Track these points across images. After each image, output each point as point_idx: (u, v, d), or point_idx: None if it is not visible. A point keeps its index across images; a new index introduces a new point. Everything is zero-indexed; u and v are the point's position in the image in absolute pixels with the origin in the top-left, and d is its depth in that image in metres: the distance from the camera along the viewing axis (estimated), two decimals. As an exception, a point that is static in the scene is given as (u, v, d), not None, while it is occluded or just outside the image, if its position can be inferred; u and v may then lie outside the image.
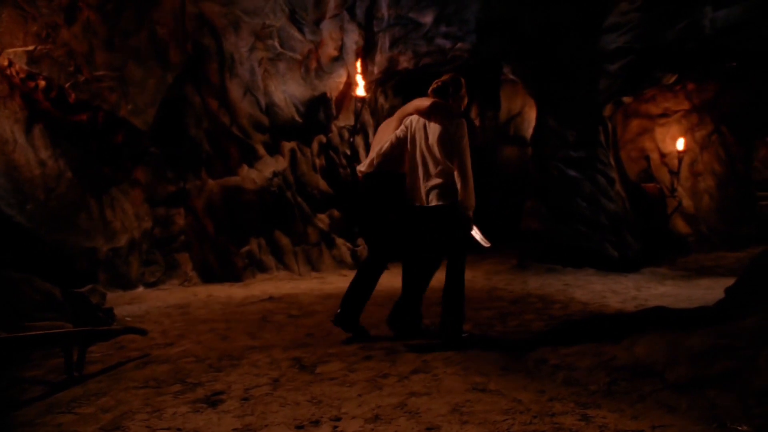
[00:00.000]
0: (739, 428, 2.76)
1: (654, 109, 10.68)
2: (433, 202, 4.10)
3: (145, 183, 7.05)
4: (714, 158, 11.14)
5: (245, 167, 7.28)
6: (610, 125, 8.03)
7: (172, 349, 4.14)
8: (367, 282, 4.35)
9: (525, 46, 8.06)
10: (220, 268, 7.24)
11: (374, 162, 4.28)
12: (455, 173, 4.02)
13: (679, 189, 10.71)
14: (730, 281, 7.24)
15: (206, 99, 7.20)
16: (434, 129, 4.07)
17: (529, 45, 8.02)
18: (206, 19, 7.04)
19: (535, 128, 8.49)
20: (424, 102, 4.15)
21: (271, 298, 6.12)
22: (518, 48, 8.11)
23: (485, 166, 12.61)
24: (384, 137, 4.33)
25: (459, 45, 8.15)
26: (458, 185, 4.02)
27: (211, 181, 7.27)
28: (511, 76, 8.75)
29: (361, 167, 4.39)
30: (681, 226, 10.77)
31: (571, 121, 7.78)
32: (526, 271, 8.12)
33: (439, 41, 8.15)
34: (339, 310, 4.31)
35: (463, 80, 4.21)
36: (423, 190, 4.15)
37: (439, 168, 4.07)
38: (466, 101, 4.25)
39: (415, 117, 4.20)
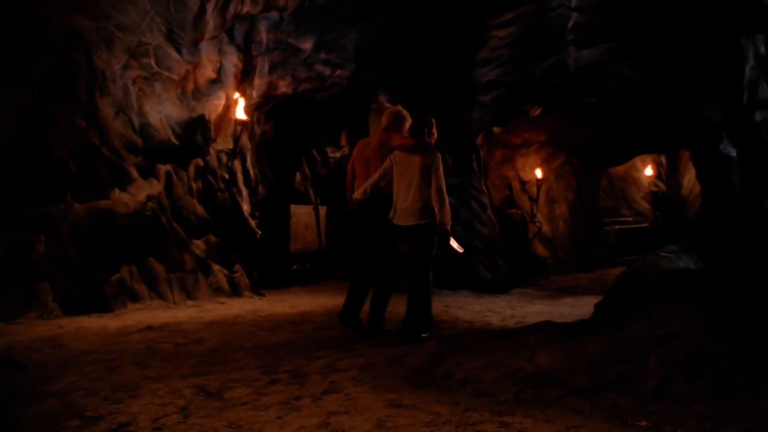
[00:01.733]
0: (640, 424, 2.99)
1: (515, 139, 11.43)
2: (416, 221, 4.97)
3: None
4: (566, 187, 12.10)
5: (116, 191, 6.85)
6: (481, 153, 8.49)
7: (54, 383, 3.78)
8: (362, 286, 5.41)
9: (402, 76, 8.35)
10: (87, 299, 6.71)
11: (367, 191, 5.15)
12: (433, 197, 4.95)
13: (538, 215, 11.49)
14: (590, 298, 7.88)
15: (73, 117, 6.72)
16: (416, 161, 4.95)
17: (406, 75, 8.32)
18: (75, 32, 6.61)
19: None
20: (406, 140, 5.11)
21: (150, 328, 5.77)
22: (395, 77, 8.38)
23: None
24: (369, 166, 5.25)
25: (338, 72, 8.27)
26: (436, 206, 4.96)
27: (77, 205, 6.75)
28: (387, 105, 8.98)
29: (357, 195, 5.26)
30: (540, 249, 11.54)
31: (447, 149, 8.10)
32: (405, 293, 8.26)
33: (319, 67, 8.22)
34: (342, 310, 5.39)
35: (433, 120, 5.20)
36: (407, 212, 4.99)
37: (421, 193, 4.95)
38: (435, 137, 5.23)
39: (398, 152, 5.06)
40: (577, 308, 7.05)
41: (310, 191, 11.79)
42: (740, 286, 4.19)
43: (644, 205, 15.78)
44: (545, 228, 11.63)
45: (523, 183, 11.82)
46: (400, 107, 5.69)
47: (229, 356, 4.57)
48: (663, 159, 16.27)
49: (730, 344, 3.23)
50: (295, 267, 10.22)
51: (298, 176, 11.61)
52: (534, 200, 11.50)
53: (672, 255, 5.62)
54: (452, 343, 4.88)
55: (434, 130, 5.20)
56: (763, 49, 5.42)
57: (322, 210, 11.09)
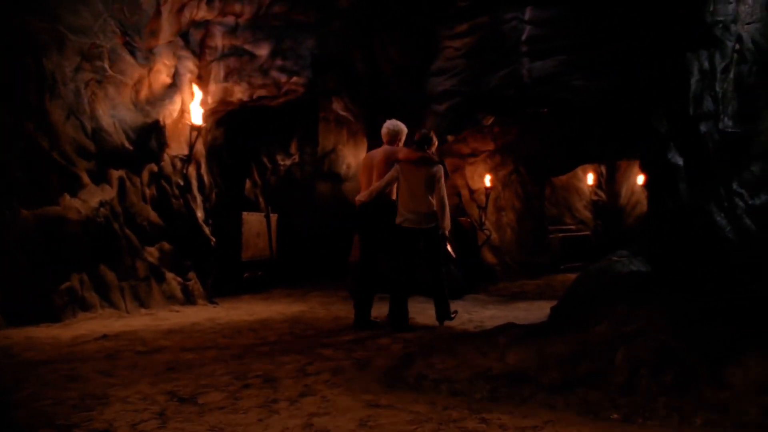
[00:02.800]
0: (612, 417, 3.12)
1: (464, 149, 11.62)
2: (421, 225, 5.69)
3: (-59, 213, 6.14)
4: (514, 195, 12.38)
5: (67, 196, 6.63)
6: (435, 161, 8.60)
7: (16, 393, 3.65)
8: (370, 284, 5.96)
9: (357, 84, 8.41)
10: (35, 308, 6.45)
11: (373, 194, 5.77)
12: (437, 205, 5.68)
13: (487, 223, 11.70)
14: (541, 303, 8.09)
15: (21, 120, 6.50)
16: (421, 173, 5.67)
17: (361, 83, 8.38)
18: (24, 33, 6.40)
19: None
20: (412, 153, 5.78)
21: (105, 337, 5.61)
22: (351, 85, 8.43)
23: (304, 202, 12.84)
24: (375, 174, 5.86)
25: (294, 79, 8.26)
26: (439, 213, 5.69)
27: (25, 212, 6.51)
28: (342, 113, 9.03)
29: (362, 198, 5.87)
30: (489, 257, 11.75)
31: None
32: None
33: (275, 74, 8.19)
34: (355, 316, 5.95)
35: (434, 135, 5.99)
36: (413, 217, 5.69)
37: (425, 201, 5.66)
38: (435, 147, 6.00)
39: (404, 163, 5.73)
40: (530, 312, 7.22)
41: (260, 199, 11.71)
42: (694, 287, 4.41)
43: (586, 214, 16.28)
44: (494, 236, 11.86)
45: (471, 191, 12.00)
46: (396, 120, 6.19)
47: (195, 363, 4.50)
48: (603, 169, 16.85)
49: (690, 341, 3.41)
50: (246, 275, 10.12)
51: (248, 184, 11.53)
52: (483, 208, 11.69)
53: (624, 259, 5.85)
54: (418, 346, 4.96)
55: (434, 143, 5.97)
56: (707, 64, 5.75)
57: (273, 218, 11.03)
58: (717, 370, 3.21)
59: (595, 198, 16.56)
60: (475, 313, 7.27)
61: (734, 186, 5.39)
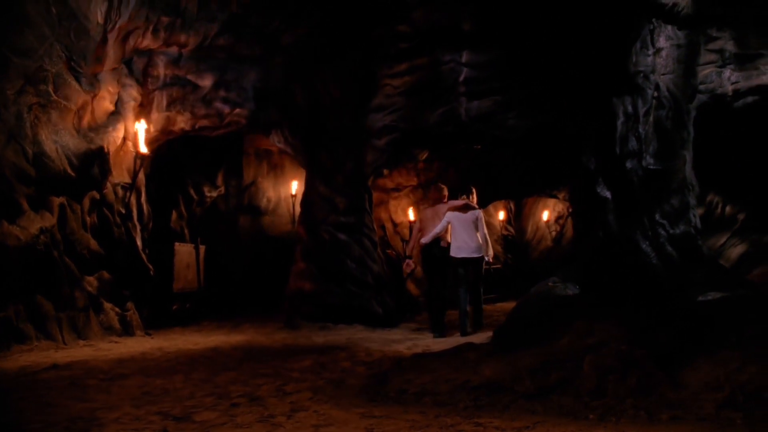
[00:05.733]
0: (589, 417, 3.48)
1: (389, 183, 12.04)
2: (477, 255, 7.64)
3: None
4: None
5: (5, 223, 6.39)
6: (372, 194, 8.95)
7: (-3, 418, 3.57)
8: (441, 304, 8.03)
9: (298, 118, 8.64)
10: (-35, 341, 6.16)
11: (433, 238, 7.82)
12: (482, 240, 7.63)
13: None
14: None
15: (-44, 144, 6.27)
16: (467, 216, 7.61)
17: (301, 117, 8.62)
18: (-37, 54, 6.23)
19: (305, 194, 8.99)
20: (458, 202, 7.74)
21: (56, 366, 5.44)
22: (291, 119, 8.65)
23: (227, 234, 12.83)
24: (433, 222, 7.95)
25: (237, 111, 8.38)
26: (483, 246, 7.67)
27: (-43, 239, 6.24)
28: (278, 145, 9.19)
29: (425, 241, 7.95)
30: (412, 288, 12.12)
31: (341, 189, 8.47)
32: (300, 330, 8.36)
33: (218, 105, 8.27)
34: (432, 324, 8.01)
35: (474, 188, 8.12)
36: (468, 250, 7.60)
37: (474, 237, 7.60)
38: (474, 196, 8.04)
39: (455, 212, 7.63)
40: (468, 337, 7.56)
41: (186, 230, 11.57)
42: (631, 305, 4.90)
43: (497, 248, 17.03)
44: (417, 269, 12.23)
45: (395, 225, 12.41)
46: (439, 184, 8.49)
47: (168, 387, 4.50)
48: (512, 205, 17.77)
49: (647, 349, 3.85)
50: (175, 307, 9.94)
51: (174, 214, 11.38)
52: (406, 241, 12.08)
53: (559, 284, 6.35)
54: (380, 367, 5.16)
55: (474, 194, 8.04)
56: (630, 108, 6.45)
57: (202, 249, 10.92)
58: (673, 374, 3.65)
59: (505, 233, 17.40)
60: (418, 340, 7.54)
61: (657, 217, 6.03)
